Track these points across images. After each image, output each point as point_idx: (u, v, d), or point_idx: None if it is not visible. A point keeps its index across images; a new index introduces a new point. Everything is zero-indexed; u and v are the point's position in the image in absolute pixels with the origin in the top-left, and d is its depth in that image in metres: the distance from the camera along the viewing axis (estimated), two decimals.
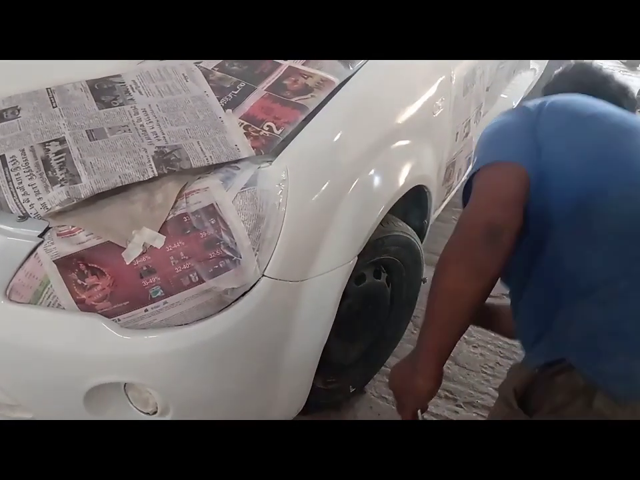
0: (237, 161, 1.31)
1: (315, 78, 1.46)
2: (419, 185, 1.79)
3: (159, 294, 1.21)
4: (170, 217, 1.22)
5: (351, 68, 1.52)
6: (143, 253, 1.21)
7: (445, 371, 2.12)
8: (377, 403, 2.01)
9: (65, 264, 1.22)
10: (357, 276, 1.74)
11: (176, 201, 1.24)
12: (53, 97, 1.39)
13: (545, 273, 1.09)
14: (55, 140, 1.30)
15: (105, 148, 1.28)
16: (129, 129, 1.31)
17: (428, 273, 2.63)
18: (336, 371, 1.85)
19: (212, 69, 1.48)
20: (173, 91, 1.41)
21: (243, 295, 1.27)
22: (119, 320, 1.23)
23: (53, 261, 1.22)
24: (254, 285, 1.27)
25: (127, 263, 1.21)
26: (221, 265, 1.22)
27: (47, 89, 1.41)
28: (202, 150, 1.29)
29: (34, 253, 1.23)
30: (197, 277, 1.21)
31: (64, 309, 1.24)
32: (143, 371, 1.27)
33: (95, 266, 1.22)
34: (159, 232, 1.22)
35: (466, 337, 2.33)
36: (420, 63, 1.70)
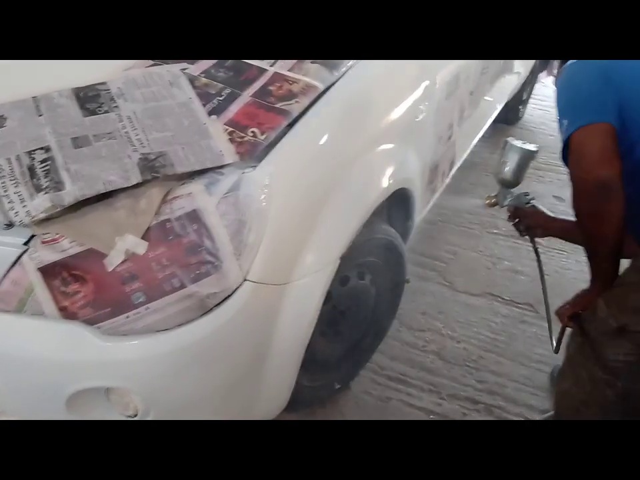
0: (221, 167, 1.25)
1: (300, 84, 1.40)
2: (402, 188, 1.74)
3: (140, 300, 1.16)
4: (153, 223, 1.17)
5: (335, 74, 1.46)
6: (125, 260, 1.16)
7: (429, 366, 2.13)
8: (363, 398, 1.96)
9: (48, 272, 1.17)
10: (341, 277, 1.69)
11: (160, 207, 1.19)
12: (38, 105, 1.33)
13: None
14: (41, 148, 1.25)
15: (90, 155, 1.22)
16: (114, 136, 1.26)
17: (420, 271, 2.63)
18: (321, 369, 1.80)
19: (198, 75, 1.42)
20: (158, 97, 1.35)
21: (225, 299, 1.21)
22: (100, 327, 1.17)
23: (37, 269, 1.17)
24: (236, 289, 1.22)
25: (109, 270, 1.16)
26: (202, 270, 1.17)
27: (32, 97, 1.35)
28: (186, 156, 1.23)
29: (19, 261, 1.18)
30: (178, 283, 1.16)
31: (49, 316, 1.19)
32: (124, 376, 1.21)
33: (78, 273, 1.17)
34: (141, 238, 1.17)
35: (450, 332, 2.29)
36: (404, 68, 1.65)
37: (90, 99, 1.34)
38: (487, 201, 1.72)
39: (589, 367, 1.30)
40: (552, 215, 1.62)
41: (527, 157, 1.60)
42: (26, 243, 1.20)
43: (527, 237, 1.69)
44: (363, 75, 1.52)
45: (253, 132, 1.29)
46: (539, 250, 1.74)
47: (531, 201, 1.64)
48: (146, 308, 1.16)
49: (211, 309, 1.20)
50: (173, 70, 1.42)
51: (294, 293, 1.36)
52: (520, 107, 3.61)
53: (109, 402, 1.29)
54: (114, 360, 1.20)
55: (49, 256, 1.18)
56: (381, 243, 1.73)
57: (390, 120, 1.61)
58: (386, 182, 1.57)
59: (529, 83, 3.68)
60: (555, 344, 1.58)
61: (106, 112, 1.31)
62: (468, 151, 2.66)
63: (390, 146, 1.60)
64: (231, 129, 1.30)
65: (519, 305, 2.44)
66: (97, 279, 1.17)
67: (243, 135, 1.29)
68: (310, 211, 1.36)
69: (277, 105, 1.35)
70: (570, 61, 1.31)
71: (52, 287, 1.18)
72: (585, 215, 1.26)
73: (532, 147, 1.60)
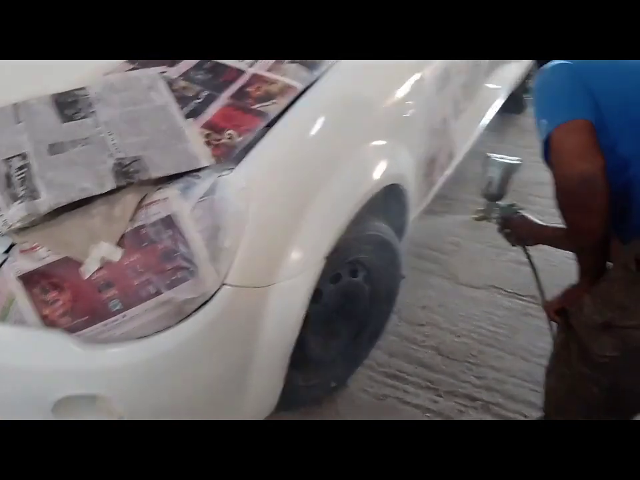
0: (197, 170, 1.24)
1: (278, 84, 1.38)
2: (394, 184, 1.72)
3: (117, 307, 1.15)
4: (128, 230, 1.16)
5: (315, 73, 1.44)
6: (100, 267, 1.15)
7: (427, 361, 2.10)
8: (359, 396, 1.94)
9: (28, 280, 1.17)
10: (333, 275, 1.68)
11: (135, 213, 1.18)
12: (17, 112, 1.32)
13: None
14: (18, 155, 1.24)
15: (65, 162, 1.22)
16: (90, 142, 1.25)
17: (421, 264, 2.60)
18: (315, 368, 1.78)
19: (176, 77, 1.41)
20: (136, 101, 1.33)
21: (204, 304, 1.20)
22: (80, 335, 1.17)
23: (17, 278, 1.17)
24: (214, 294, 1.21)
25: (85, 278, 1.15)
26: (178, 276, 1.16)
27: (13, 104, 1.34)
28: (162, 160, 1.22)
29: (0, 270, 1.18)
30: (154, 289, 1.15)
31: (29, 325, 1.18)
32: (105, 384, 1.20)
33: (56, 281, 1.17)
34: (116, 245, 1.16)
35: (450, 326, 2.26)
36: (388, 65, 1.61)
37: (68, 105, 1.33)
38: (475, 216, 1.73)
39: (574, 363, 1.28)
40: (541, 223, 1.60)
41: (509, 170, 1.61)
42: (7, 251, 1.20)
43: (519, 246, 1.68)
44: (344, 74, 1.50)
45: (229, 134, 1.28)
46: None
47: (519, 211, 1.64)
48: (123, 315, 1.15)
49: (189, 315, 1.19)
50: (151, 73, 1.40)
51: (278, 295, 1.34)
52: (524, 96, 3.54)
53: (95, 407, 1.29)
54: (94, 368, 1.19)
55: (28, 265, 1.17)
56: (373, 240, 1.70)
57: (375, 117, 1.58)
58: (373, 179, 1.54)
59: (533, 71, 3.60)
60: None
61: (83, 117, 1.30)
62: (471, 142, 2.62)
63: (377, 143, 1.57)
64: (207, 132, 1.29)
65: (523, 297, 2.39)
66: (74, 287, 1.16)
67: (219, 137, 1.27)
68: (292, 212, 1.34)
69: (255, 107, 1.33)
70: (545, 65, 1.32)
71: (32, 296, 1.17)
72: (570, 211, 1.24)
73: (514, 160, 1.61)
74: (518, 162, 1.58)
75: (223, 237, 1.19)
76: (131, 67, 1.44)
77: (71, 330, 1.17)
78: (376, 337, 2.03)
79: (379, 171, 1.57)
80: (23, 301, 1.18)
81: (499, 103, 2.78)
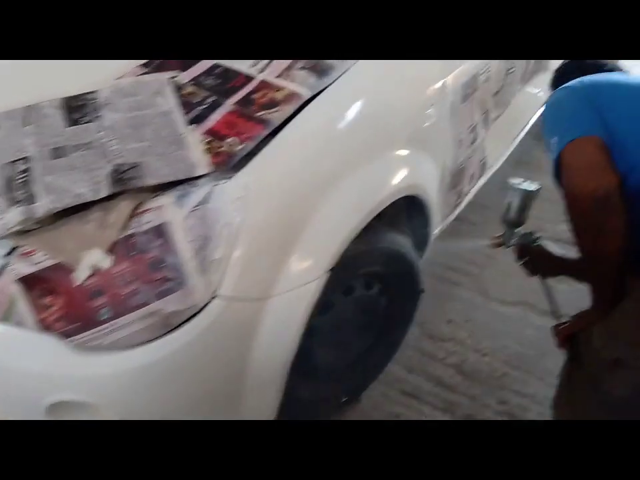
0: (196, 178, 1.22)
1: (284, 91, 1.34)
2: (412, 196, 1.66)
3: (107, 316, 1.14)
4: (119, 238, 1.15)
5: (325, 80, 1.39)
6: (92, 274, 1.14)
7: (447, 381, 2.02)
8: (371, 413, 1.88)
9: (27, 283, 1.17)
10: (345, 287, 1.63)
11: (128, 220, 1.16)
12: (28, 115, 1.33)
13: None
14: (22, 159, 1.25)
15: (65, 166, 1.21)
16: (92, 147, 1.24)
17: (451, 275, 2.51)
18: (324, 380, 1.74)
19: (186, 82, 1.39)
20: (141, 106, 1.32)
21: (194, 315, 1.18)
22: (73, 341, 1.16)
23: (16, 281, 1.17)
24: (205, 306, 1.18)
25: (77, 284, 1.14)
26: (166, 287, 1.14)
27: (25, 107, 1.35)
28: (159, 167, 1.20)
29: (2, 273, 1.19)
30: (142, 299, 1.13)
31: (29, 328, 1.18)
32: (95, 390, 1.20)
33: (51, 286, 1.16)
34: (107, 253, 1.15)
35: (474, 344, 2.17)
36: (406, 72, 1.55)
37: (76, 109, 1.33)
38: (492, 241, 1.64)
39: (582, 397, 1.19)
40: (560, 254, 1.50)
41: (528, 197, 1.52)
42: (9, 254, 1.21)
43: (537, 277, 1.58)
44: (358, 81, 1.44)
45: (231, 142, 1.25)
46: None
47: (538, 240, 1.54)
48: (112, 324, 1.14)
49: (179, 326, 1.17)
50: (161, 78, 1.39)
51: (276, 308, 1.30)
52: None
53: (87, 414, 1.28)
54: (84, 374, 1.19)
55: (26, 268, 1.18)
56: (387, 253, 1.64)
57: (390, 126, 1.51)
58: (384, 191, 1.49)
59: None
60: None
61: (88, 122, 1.30)
62: (508, 150, 2.52)
63: (390, 152, 1.52)
64: (209, 139, 1.26)
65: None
66: (67, 292, 1.16)
67: (221, 144, 1.25)
68: (293, 224, 1.30)
69: (258, 114, 1.30)
70: (557, 89, 1.32)
71: (31, 299, 1.17)
72: (582, 234, 1.16)
73: (533, 187, 1.51)
74: (536, 188, 1.49)
75: (214, 247, 1.16)
76: (144, 70, 1.43)
77: (64, 335, 1.17)
78: (392, 351, 1.97)
79: (391, 182, 1.52)
80: (22, 304, 1.18)
81: (538, 111, 2.66)
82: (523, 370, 2.07)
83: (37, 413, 1.25)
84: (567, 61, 1.52)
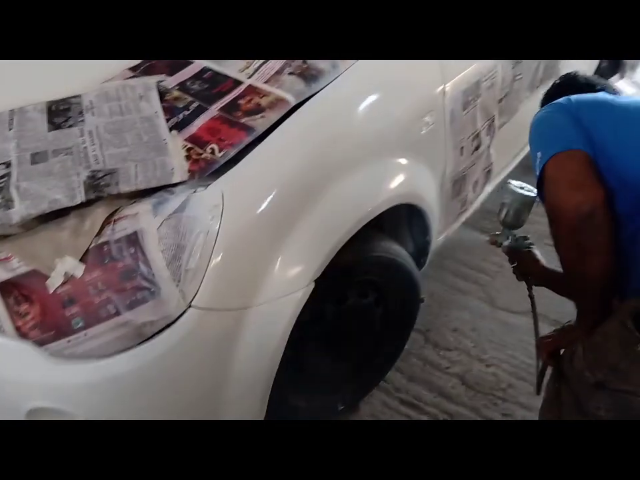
0: (174, 185, 1.19)
1: (270, 97, 1.31)
2: (409, 204, 1.61)
3: (79, 325, 1.12)
4: (92, 246, 1.13)
5: (313, 86, 1.35)
6: (64, 282, 1.12)
7: (449, 391, 1.96)
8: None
9: (3, 290, 1.15)
10: (338, 296, 1.59)
11: (103, 228, 1.14)
12: (12, 119, 1.32)
13: None
14: (3, 163, 1.24)
15: (43, 172, 1.20)
16: (71, 152, 1.22)
17: (458, 283, 2.45)
18: (320, 389, 1.71)
19: (172, 87, 1.36)
20: (125, 111, 1.30)
21: (169, 325, 1.15)
22: (47, 349, 1.14)
23: None
24: (180, 316, 1.15)
25: (50, 292, 1.12)
26: (138, 297, 1.11)
27: (10, 110, 1.34)
28: (136, 174, 1.18)
29: None
30: (114, 309, 1.11)
31: (6, 335, 1.17)
32: (69, 399, 1.18)
33: (26, 293, 1.15)
34: (80, 261, 1.12)
35: (480, 353, 2.11)
36: (399, 80, 1.51)
37: (60, 113, 1.31)
38: (490, 239, 1.61)
39: (567, 415, 1.14)
40: (544, 264, 1.47)
41: (525, 203, 1.49)
42: None
43: (522, 281, 1.56)
44: (348, 88, 1.40)
45: (211, 149, 1.22)
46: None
47: (530, 246, 1.52)
48: (85, 333, 1.12)
49: (152, 337, 1.14)
50: (148, 82, 1.36)
51: (257, 318, 1.27)
52: None
53: (67, 418, 1.27)
54: (58, 383, 1.17)
55: (2, 274, 1.16)
56: (382, 261, 1.60)
57: (380, 133, 1.46)
58: (374, 200, 1.44)
59: None
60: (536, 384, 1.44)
61: (70, 126, 1.28)
62: (517, 158, 2.45)
63: (383, 161, 1.47)
64: (190, 145, 1.23)
65: None
66: (42, 300, 1.14)
67: (201, 151, 1.22)
68: (274, 233, 1.27)
69: (242, 120, 1.26)
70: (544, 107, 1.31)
71: (8, 305, 1.16)
72: (566, 250, 1.11)
73: (531, 193, 1.47)
74: (534, 194, 1.44)
75: (188, 257, 1.13)
76: (132, 74, 1.41)
77: (40, 343, 1.15)
78: (392, 360, 1.92)
79: (383, 190, 1.47)
80: (0, 310, 1.17)
81: None
82: (528, 382, 1.99)
83: (19, 416, 1.24)
84: (557, 81, 1.49)
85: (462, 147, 1.79)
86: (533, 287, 1.56)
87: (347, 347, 1.74)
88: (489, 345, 2.14)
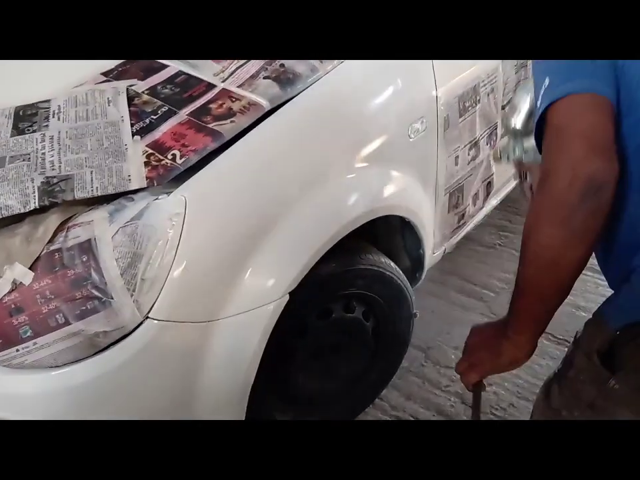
0: (135, 192, 1.13)
1: (242, 102, 1.24)
2: (396, 216, 1.52)
3: (28, 334, 1.06)
4: (43, 253, 1.07)
5: (289, 91, 1.28)
6: (12, 290, 1.06)
7: (447, 410, 1.85)
8: None
9: None
10: (321, 310, 1.51)
11: (55, 235, 1.08)
12: None
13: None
14: None
15: None
16: (29, 158, 1.17)
17: (462, 300, 2.34)
18: (308, 406, 1.63)
19: (142, 92, 1.31)
20: (90, 116, 1.25)
21: (125, 337, 1.08)
22: None
23: None
24: (136, 328, 1.08)
25: None
26: (89, 307, 1.05)
27: None
28: (92, 180, 1.12)
29: None
30: (63, 319, 1.05)
31: None
32: (20, 410, 1.13)
33: None
34: (30, 268, 1.06)
35: None
36: (385, 83, 1.42)
37: (26, 118, 1.27)
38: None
39: None
40: None
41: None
42: None
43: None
44: (326, 93, 1.32)
45: (173, 155, 1.15)
46: None
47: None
48: (34, 343, 1.07)
49: (106, 348, 1.07)
50: (118, 86, 1.31)
51: (226, 331, 1.20)
52: None
53: None
54: (12, 393, 1.12)
55: None
56: (368, 274, 1.51)
57: (361, 142, 1.38)
58: (351, 212, 1.35)
59: None
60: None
61: (33, 132, 1.23)
62: None
63: (364, 170, 1.38)
64: (151, 151, 1.17)
65: None
66: None
67: (161, 157, 1.15)
68: (242, 244, 1.19)
69: (210, 125, 1.20)
70: None
71: None
72: (549, 227, 0.80)
73: None
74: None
75: (145, 266, 1.07)
76: (104, 79, 1.36)
77: None
78: (387, 376, 1.83)
79: (363, 201, 1.38)
80: None
81: None
82: (532, 402, 1.87)
83: None
84: None
85: (457, 157, 1.69)
86: None
87: (337, 362, 1.65)
88: None
